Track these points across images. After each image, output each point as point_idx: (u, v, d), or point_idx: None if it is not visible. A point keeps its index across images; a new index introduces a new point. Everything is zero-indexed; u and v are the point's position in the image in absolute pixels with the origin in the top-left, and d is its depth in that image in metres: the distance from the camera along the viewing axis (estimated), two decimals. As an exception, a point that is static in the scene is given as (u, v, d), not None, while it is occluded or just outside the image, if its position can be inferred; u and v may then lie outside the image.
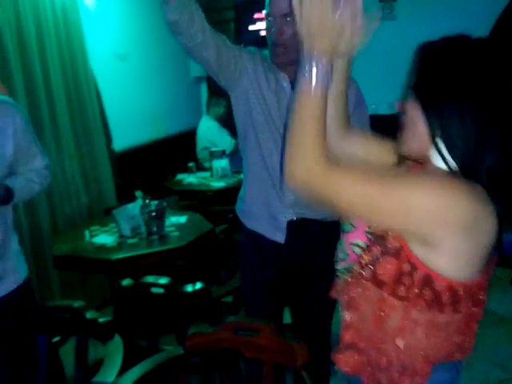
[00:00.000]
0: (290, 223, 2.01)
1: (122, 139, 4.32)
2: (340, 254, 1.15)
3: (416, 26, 5.78)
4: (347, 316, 1.13)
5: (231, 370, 1.53)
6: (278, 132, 1.95)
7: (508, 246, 4.80)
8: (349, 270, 1.11)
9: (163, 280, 2.06)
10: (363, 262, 1.05)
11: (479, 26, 5.70)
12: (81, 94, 3.64)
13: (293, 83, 1.95)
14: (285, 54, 1.88)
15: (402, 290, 0.99)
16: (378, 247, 1.03)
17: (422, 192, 0.95)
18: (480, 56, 0.99)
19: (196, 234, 2.79)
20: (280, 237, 2.02)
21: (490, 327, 3.29)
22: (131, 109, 4.49)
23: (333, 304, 1.73)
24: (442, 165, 1.01)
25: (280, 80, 1.98)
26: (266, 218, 2.04)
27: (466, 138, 0.96)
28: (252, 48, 2.07)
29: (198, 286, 2.02)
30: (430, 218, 0.95)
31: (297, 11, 0.97)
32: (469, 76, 0.97)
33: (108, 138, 4.07)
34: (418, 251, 0.98)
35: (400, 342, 1.04)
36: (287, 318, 2.31)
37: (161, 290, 2.06)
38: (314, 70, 0.96)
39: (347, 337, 1.14)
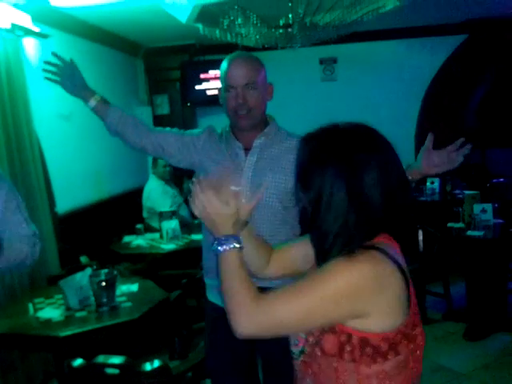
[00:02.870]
0: None
1: (66, 201, 4.15)
2: (292, 340, 1.27)
3: (355, 87, 6.06)
4: None
5: None
6: None
7: (456, 300, 4.84)
8: (302, 352, 1.24)
9: (118, 359, 1.93)
10: (310, 343, 1.21)
11: (412, 87, 6.04)
12: (24, 158, 3.49)
13: (247, 149, 2.03)
14: (250, 117, 1.97)
15: (347, 355, 1.15)
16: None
17: (335, 282, 1.11)
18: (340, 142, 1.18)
19: (149, 304, 2.64)
20: None
21: (446, 385, 3.24)
22: (75, 169, 4.36)
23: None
24: None
25: (235, 148, 2.03)
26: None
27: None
28: (206, 126, 2.19)
29: (157, 364, 1.90)
30: (355, 299, 1.11)
31: (196, 210, 1.21)
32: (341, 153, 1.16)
33: (51, 201, 3.90)
34: (350, 323, 1.14)
35: None
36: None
37: (116, 371, 1.92)
38: (225, 247, 1.19)
39: None
